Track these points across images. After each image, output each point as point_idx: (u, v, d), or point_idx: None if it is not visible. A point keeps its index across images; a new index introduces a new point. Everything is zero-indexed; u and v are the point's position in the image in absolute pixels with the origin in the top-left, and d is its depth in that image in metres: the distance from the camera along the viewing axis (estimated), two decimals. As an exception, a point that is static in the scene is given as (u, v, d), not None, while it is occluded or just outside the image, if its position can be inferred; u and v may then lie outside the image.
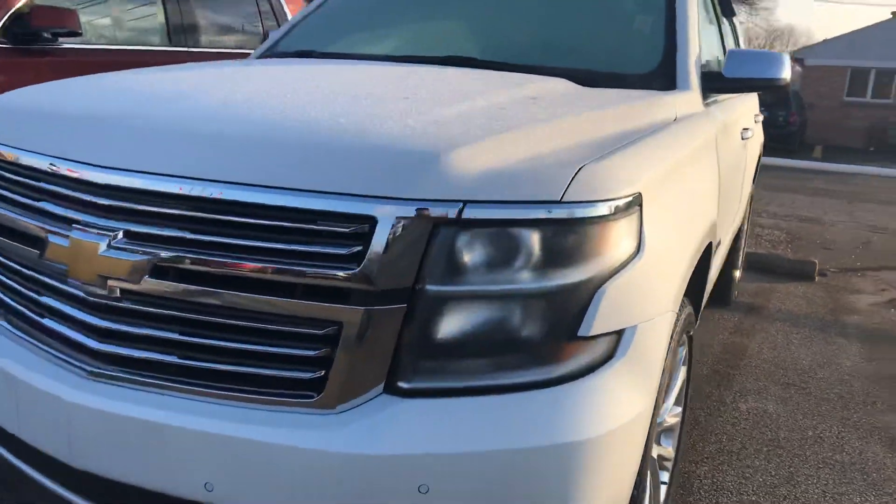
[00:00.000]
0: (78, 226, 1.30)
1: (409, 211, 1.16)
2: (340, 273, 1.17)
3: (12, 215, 1.44)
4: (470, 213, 1.17)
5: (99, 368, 1.31)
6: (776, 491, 2.31)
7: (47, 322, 1.41)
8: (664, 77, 2.16)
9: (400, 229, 1.16)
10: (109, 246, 1.27)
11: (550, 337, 1.23)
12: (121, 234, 1.28)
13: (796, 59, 23.35)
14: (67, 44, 3.43)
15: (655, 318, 1.37)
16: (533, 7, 2.56)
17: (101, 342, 1.32)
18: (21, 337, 1.45)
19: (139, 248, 1.26)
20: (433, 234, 1.18)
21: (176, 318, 1.28)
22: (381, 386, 1.21)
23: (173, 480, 1.24)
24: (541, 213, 1.20)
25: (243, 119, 1.32)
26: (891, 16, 25.29)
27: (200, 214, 1.24)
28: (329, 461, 1.17)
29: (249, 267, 1.20)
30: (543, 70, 2.10)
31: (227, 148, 1.25)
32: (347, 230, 1.18)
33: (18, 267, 1.47)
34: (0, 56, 3.13)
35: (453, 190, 1.18)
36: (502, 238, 1.20)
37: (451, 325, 1.21)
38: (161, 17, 4.02)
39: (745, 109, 3.42)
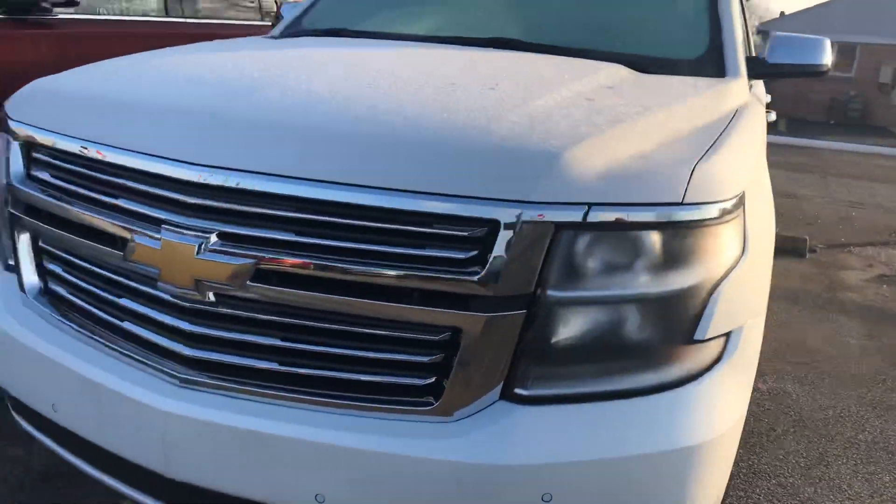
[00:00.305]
0: (168, 227, 1.23)
1: (534, 214, 1.12)
2: (461, 278, 1.13)
3: (85, 212, 1.36)
4: (595, 216, 1.14)
5: (191, 375, 1.26)
6: (810, 472, 2.36)
7: (128, 326, 1.34)
8: (713, 63, 2.13)
9: (523, 233, 1.12)
10: (206, 248, 1.20)
11: (668, 341, 1.21)
12: (215, 236, 1.21)
13: (760, 31, 23.61)
14: (63, 14, 3.25)
15: (755, 318, 1.37)
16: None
17: (193, 348, 1.26)
18: (97, 341, 1.37)
19: (240, 252, 1.20)
20: (555, 237, 1.14)
21: (278, 324, 1.23)
22: (497, 392, 1.19)
23: (282, 491, 1.20)
24: (663, 216, 1.17)
25: (342, 114, 1.26)
26: (852, -10, 25.71)
27: (307, 216, 1.18)
28: (450, 471, 1.14)
29: (362, 272, 1.16)
30: (593, 54, 2.06)
31: (334, 146, 1.19)
32: (468, 234, 1.14)
33: (92, 267, 1.40)
34: (-4, 28, 2.96)
35: (578, 192, 1.14)
36: (624, 241, 1.17)
37: (571, 330, 1.18)
38: (156, -14, 3.84)
39: (763, 91, 3.43)
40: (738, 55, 2.16)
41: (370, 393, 1.21)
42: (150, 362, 1.30)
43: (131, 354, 1.33)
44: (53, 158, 1.44)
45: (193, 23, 3.96)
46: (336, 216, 1.17)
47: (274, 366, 1.24)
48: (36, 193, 1.45)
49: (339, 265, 1.16)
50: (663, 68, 2.04)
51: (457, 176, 1.15)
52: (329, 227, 1.18)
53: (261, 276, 1.20)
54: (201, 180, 1.21)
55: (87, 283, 1.42)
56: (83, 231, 1.38)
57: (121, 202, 1.31)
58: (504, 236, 1.12)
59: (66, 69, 3.14)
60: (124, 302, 1.35)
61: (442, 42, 2.19)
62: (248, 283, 1.20)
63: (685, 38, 2.28)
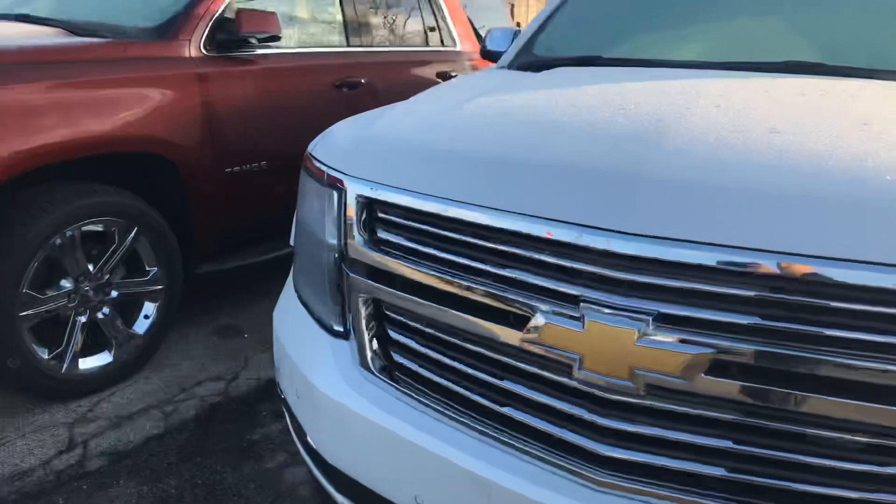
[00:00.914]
0: (596, 306, 1.05)
1: None
2: None
3: (459, 282, 1.20)
4: None
5: (610, 478, 1.07)
6: None
7: (514, 413, 1.18)
8: None
9: None
10: (647, 333, 1.02)
11: None
12: (654, 319, 1.03)
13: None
14: (260, 49, 3.22)
15: None
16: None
17: (613, 446, 1.08)
18: (466, 425, 1.22)
19: (693, 339, 1.01)
20: None
21: (728, 423, 1.03)
22: None
23: None
24: None
25: (825, 176, 1.04)
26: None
27: (779, 297, 0.98)
28: None
29: (863, 368, 0.94)
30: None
31: (832, 212, 0.98)
32: None
33: (462, 343, 1.24)
34: (210, 66, 2.92)
35: None
36: None
37: None
38: (339, 16, 3.79)
39: None
40: None
41: (847, 510, 0.99)
42: (548, 457, 1.13)
43: (518, 446, 1.16)
44: (410, 220, 1.30)
45: (372, 51, 3.89)
46: (830, 298, 0.96)
47: (720, 472, 1.04)
48: (384, 257, 1.32)
49: (829, 359, 0.95)
50: None
51: None
52: (812, 312, 0.97)
53: (718, 368, 1.01)
54: (640, 253, 1.03)
55: (453, 359, 1.26)
56: (453, 302, 1.23)
57: (517, 274, 1.15)
58: None
59: (271, 104, 3.12)
60: (508, 384, 1.19)
61: (729, 68, 1.96)
62: (702, 375, 1.01)
63: None
